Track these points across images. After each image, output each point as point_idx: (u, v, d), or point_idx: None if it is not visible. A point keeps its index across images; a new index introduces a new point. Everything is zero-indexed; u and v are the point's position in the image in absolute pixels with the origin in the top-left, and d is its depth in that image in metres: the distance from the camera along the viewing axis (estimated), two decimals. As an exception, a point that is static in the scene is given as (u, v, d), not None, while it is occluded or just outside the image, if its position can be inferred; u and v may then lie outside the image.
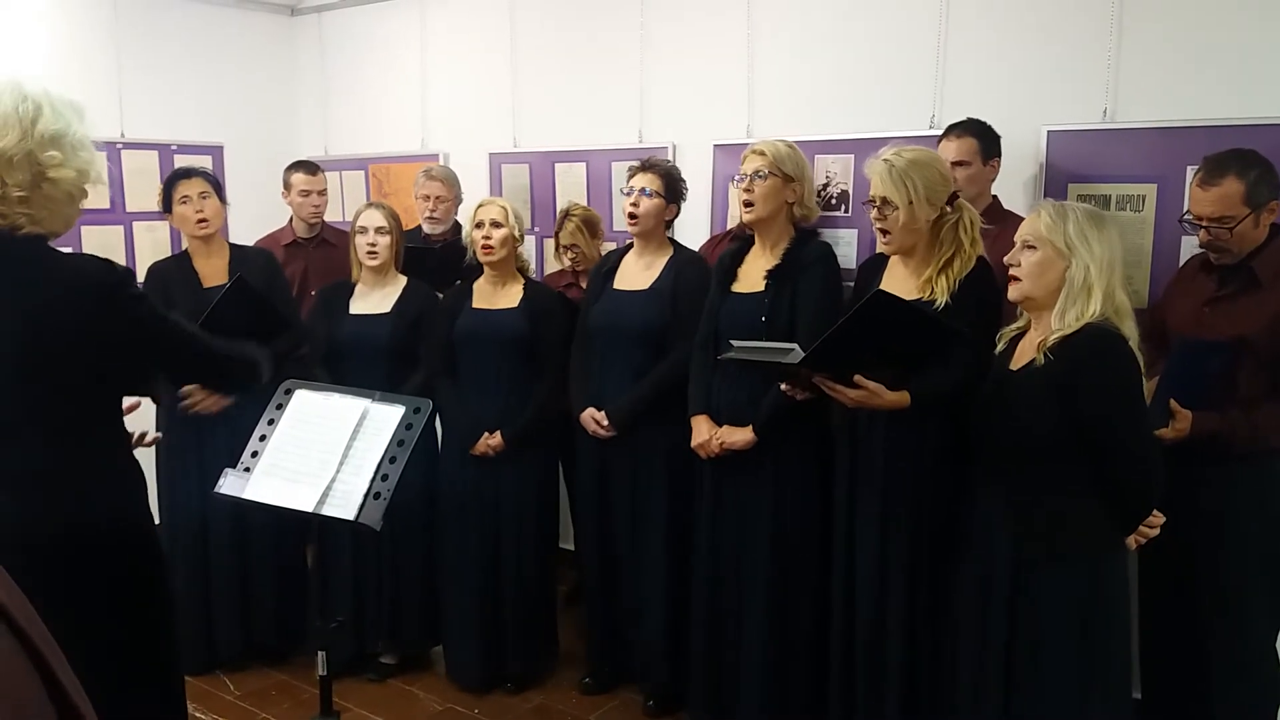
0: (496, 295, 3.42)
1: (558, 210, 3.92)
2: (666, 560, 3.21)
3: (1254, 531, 2.59)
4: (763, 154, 2.92)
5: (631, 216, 3.25)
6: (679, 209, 3.37)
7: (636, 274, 3.30)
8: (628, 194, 3.27)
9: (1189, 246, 2.91)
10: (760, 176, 2.90)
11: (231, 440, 2.61)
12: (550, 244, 4.41)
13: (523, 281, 3.46)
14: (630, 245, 3.37)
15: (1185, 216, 2.69)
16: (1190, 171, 2.70)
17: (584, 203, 4.08)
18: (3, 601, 0.50)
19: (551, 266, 4.40)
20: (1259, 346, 2.51)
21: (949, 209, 2.63)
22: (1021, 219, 2.44)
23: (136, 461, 2.02)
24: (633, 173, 3.31)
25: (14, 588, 0.53)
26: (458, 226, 4.14)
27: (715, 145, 3.93)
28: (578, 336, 3.37)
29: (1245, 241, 2.56)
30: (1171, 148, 3.01)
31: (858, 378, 2.49)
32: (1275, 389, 2.53)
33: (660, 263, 3.28)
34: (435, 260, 3.80)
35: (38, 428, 1.83)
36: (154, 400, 2.61)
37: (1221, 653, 2.63)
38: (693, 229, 3.82)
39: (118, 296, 1.82)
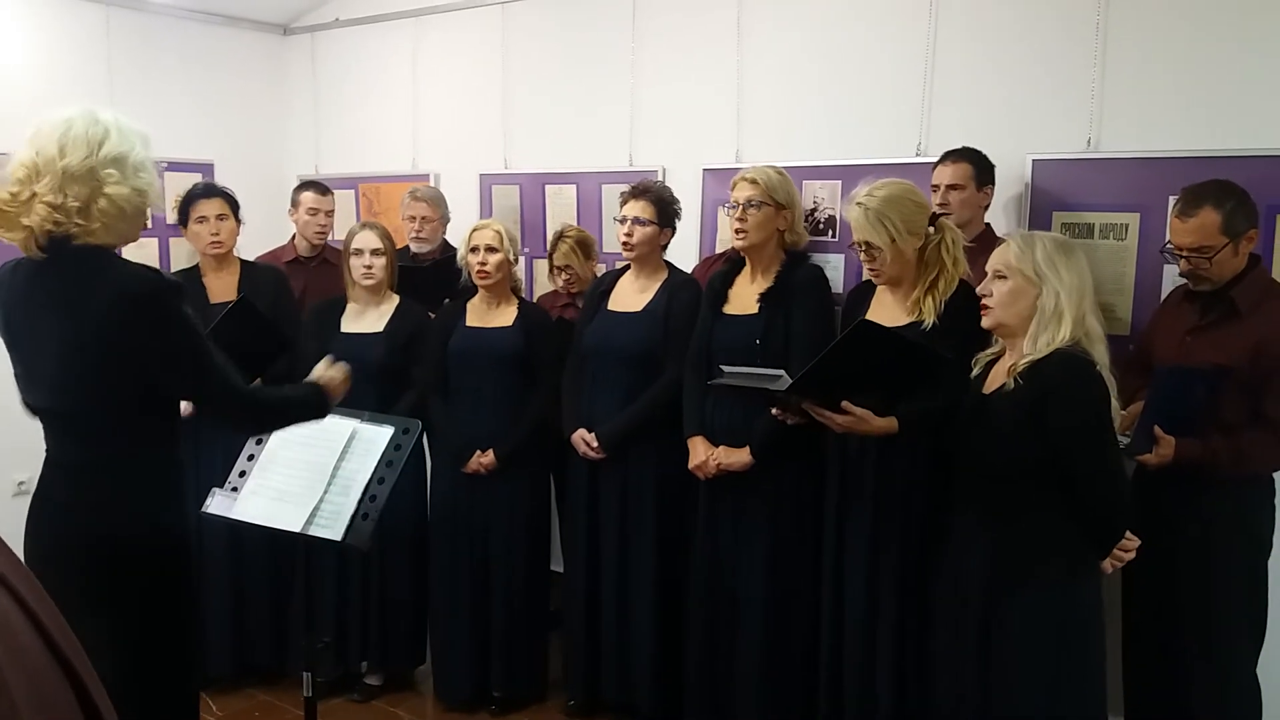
0: (491, 314, 3.44)
1: (550, 232, 3.93)
2: (655, 584, 3.20)
3: (1235, 556, 2.63)
4: (755, 183, 2.93)
5: (627, 246, 3.26)
6: (674, 230, 3.37)
7: (631, 296, 3.32)
8: (621, 222, 3.27)
9: (1171, 275, 2.94)
10: (753, 205, 2.92)
11: (228, 459, 2.62)
12: (540, 265, 4.44)
13: (517, 301, 3.48)
14: (627, 267, 3.39)
15: (1166, 247, 2.73)
16: (1172, 201, 2.74)
17: (574, 225, 4.09)
18: (41, 619, 0.52)
19: (542, 287, 4.41)
20: (1239, 374, 2.55)
21: (932, 230, 2.67)
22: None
23: (179, 469, 2.09)
24: (625, 199, 3.30)
25: (49, 602, 0.54)
26: (446, 246, 4.15)
27: (705, 169, 3.96)
28: (571, 356, 3.38)
29: (1225, 270, 2.60)
30: (1154, 178, 3.06)
31: (845, 404, 2.51)
32: (1256, 416, 2.57)
33: (655, 285, 3.30)
34: (426, 279, 3.81)
35: (81, 425, 1.96)
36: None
37: (1203, 676, 2.65)
38: (682, 251, 3.84)
39: (154, 305, 1.91)
